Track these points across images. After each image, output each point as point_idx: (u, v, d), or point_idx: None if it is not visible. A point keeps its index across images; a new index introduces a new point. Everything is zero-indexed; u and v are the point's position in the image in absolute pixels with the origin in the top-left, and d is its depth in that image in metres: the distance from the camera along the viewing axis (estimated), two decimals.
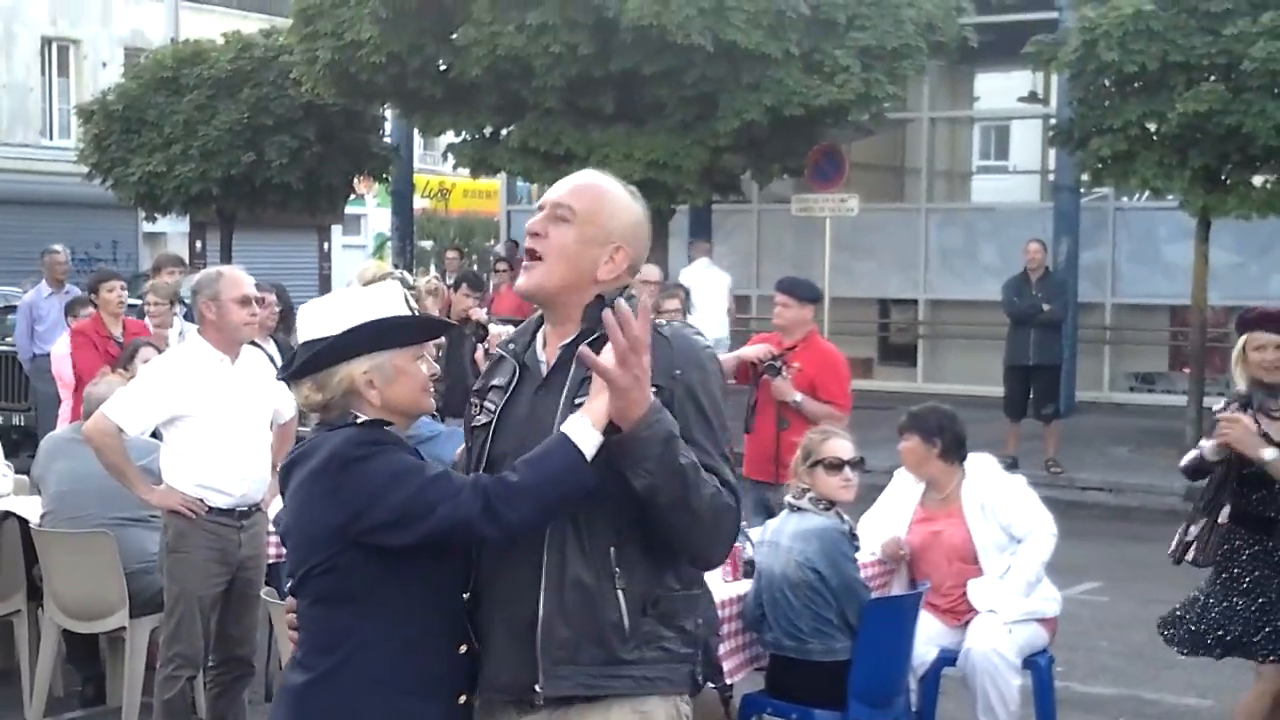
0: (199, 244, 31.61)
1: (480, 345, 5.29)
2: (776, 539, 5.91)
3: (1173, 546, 6.45)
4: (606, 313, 3.11)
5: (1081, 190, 20.77)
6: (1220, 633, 6.28)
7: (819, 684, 5.74)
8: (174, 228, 32.18)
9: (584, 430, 3.18)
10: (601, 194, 3.48)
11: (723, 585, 6.05)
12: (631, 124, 17.28)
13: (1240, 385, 6.34)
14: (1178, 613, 6.51)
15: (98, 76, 33.03)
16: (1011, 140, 30.45)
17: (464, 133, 19.30)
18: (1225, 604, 6.28)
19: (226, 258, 23.47)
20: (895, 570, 6.81)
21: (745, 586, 6.03)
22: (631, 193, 3.53)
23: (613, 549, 3.29)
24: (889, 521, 6.89)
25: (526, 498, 3.20)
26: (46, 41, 34.89)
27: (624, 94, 17.16)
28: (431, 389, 3.57)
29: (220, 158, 22.02)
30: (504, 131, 18.67)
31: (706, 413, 3.33)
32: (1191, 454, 6.50)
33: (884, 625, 5.91)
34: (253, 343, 9.32)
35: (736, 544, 6.17)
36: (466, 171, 21.32)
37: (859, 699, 5.74)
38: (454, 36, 17.25)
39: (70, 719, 7.47)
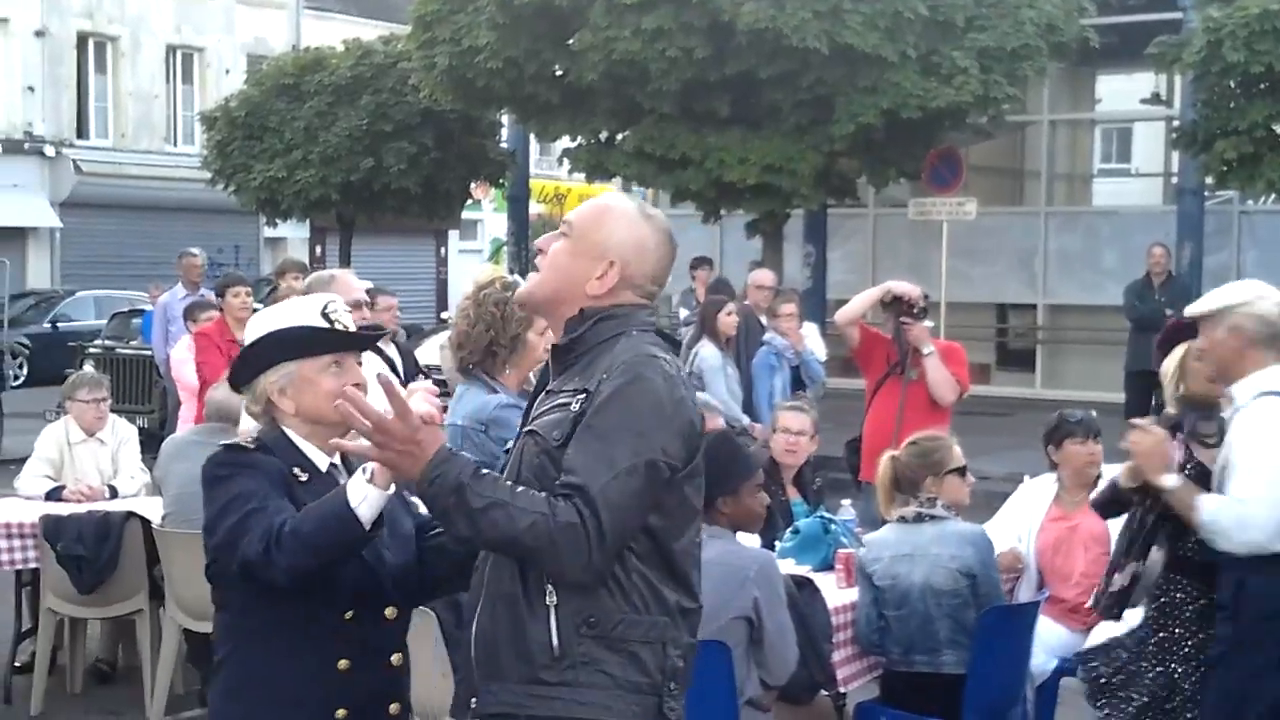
0: (319, 249, 32.02)
1: None
2: (912, 550, 5.80)
3: (1092, 600, 5.54)
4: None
5: (1205, 193, 20.38)
6: (1146, 700, 5.19)
7: (935, 694, 5.67)
8: (295, 233, 32.67)
9: (358, 485, 3.24)
10: (603, 212, 3.45)
11: (837, 592, 6.00)
12: (746, 128, 17.23)
13: (1170, 408, 5.47)
14: (1094, 664, 5.47)
15: (221, 84, 33.58)
16: (1134, 142, 30.01)
17: (580, 137, 19.37)
18: (1160, 669, 5.18)
19: (346, 262, 23.74)
20: (1019, 578, 6.72)
21: (858, 593, 5.96)
22: (649, 215, 3.46)
23: None
24: (1016, 528, 6.80)
25: (296, 544, 3.26)
26: (171, 49, 35.53)
27: (739, 97, 17.12)
28: None
29: (340, 163, 22.29)
30: (619, 136, 18.71)
31: (611, 416, 3.19)
32: (1101, 485, 5.65)
33: (1002, 635, 5.82)
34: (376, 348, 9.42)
35: (851, 550, 6.16)
36: (582, 176, 21.39)
37: (974, 710, 5.66)
38: (570, 42, 17.32)
39: (190, 717, 7.56)
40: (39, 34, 32.74)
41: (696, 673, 5.15)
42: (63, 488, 8.08)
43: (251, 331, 3.63)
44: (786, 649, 5.26)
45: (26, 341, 25.34)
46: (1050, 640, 6.46)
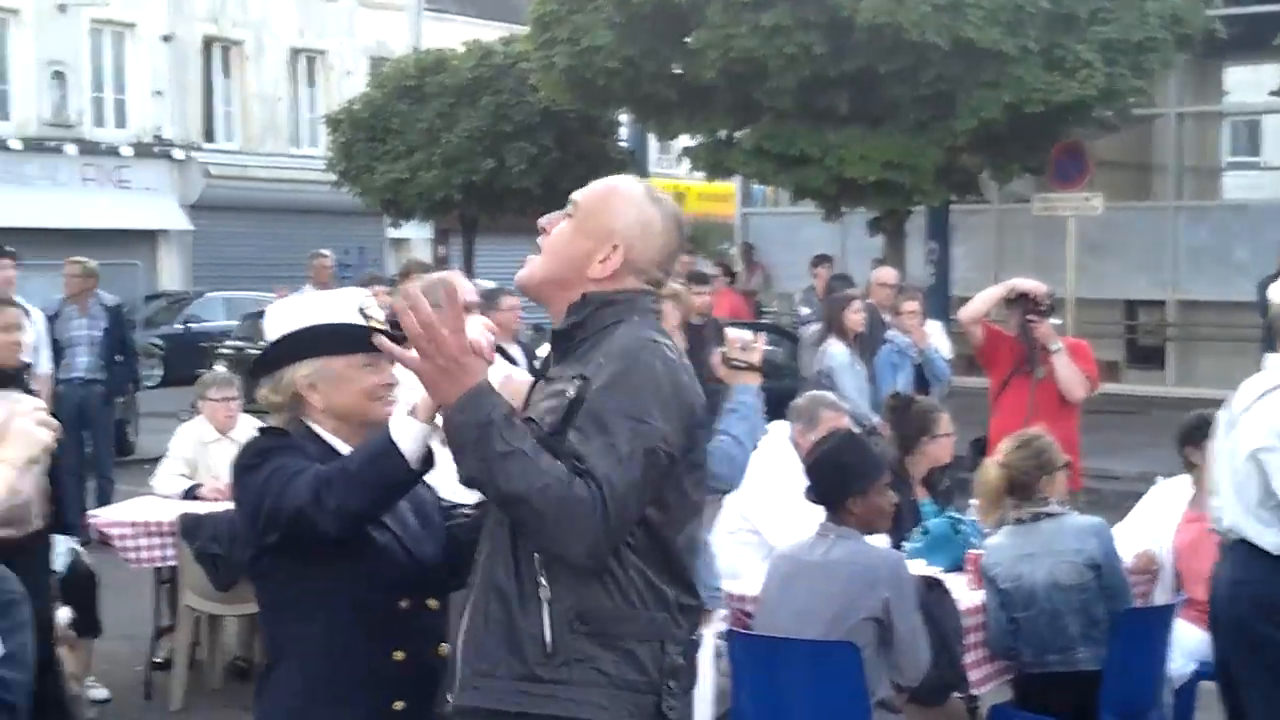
0: (442, 249, 32.30)
1: (720, 349, 5.27)
2: (1033, 549, 5.75)
3: None
4: (397, 298, 3.03)
5: None
6: None
7: (1070, 694, 5.61)
8: (418, 233, 33.00)
9: (401, 419, 3.19)
10: (610, 193, 3.33)
11: (968, 593, 5.96)
12: (866, 124, 17.13)
13: None
14: None
15: (343, 86, 34.00)
16: (1263, 135, 29.39)
17: (698, 136, 19.38)
18: None
19: (468, 263, 23.96)
20: (1154, 581, 6.62)
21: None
22: (657, 198, 3.34)
23: (539, 555, 3.09)
24: (1150, 529, 6.71)
25: (344, 482, 3.21)
26: (295, 52, 36.05)
27: (859, 94, 17.03)
28: (380, 397, 3.51)
29: (461, 164, 22.50)
30: (738, 134, 18.68)
31: (612, 400, 3.06)
32: None
33: (1138, 635, 5.75)
34: (496, 346, 9.48)
35: (982, 551, 6.10)
36: (701, 175, 21.39)
37: (1111, 710, 5.59)
38: (688, 40, 17.33)
39: None
40: (166, 39, 33.37)
41: (828, 673, 5.19)
42: (198, 486, 8.23)
43: (280, 323, 3.61)
44: (918, 650, 5.24)
45: (160, 342, 25.84)
46: (1188, 644, 6.34)
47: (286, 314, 3.64)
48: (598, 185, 3.37)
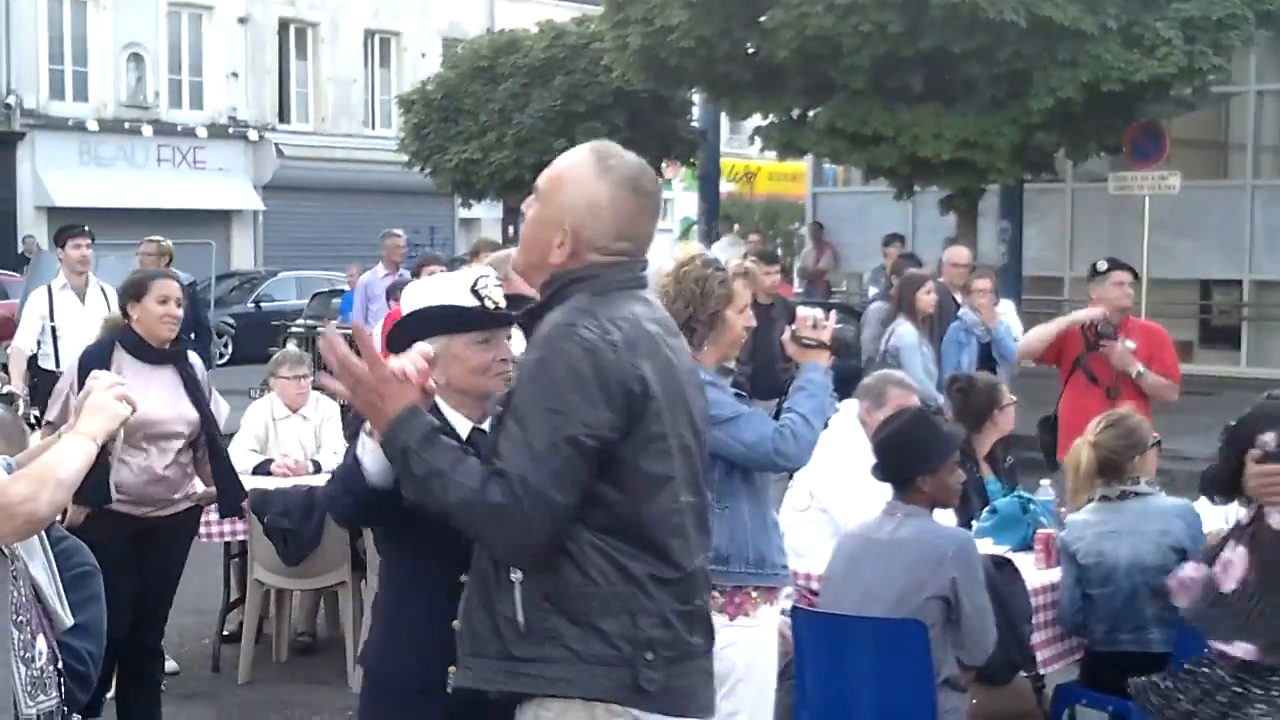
0: (511, 229, 32.40)
1: (789, 326, 5.27)
2: (1118, 527, 5.69)
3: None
4: (322, 339, 3.27)
5: None
6: None
7: (1138, 675, 5.55)
8: (489, 213, 33.09)
9: (363, 438, 3.40)
10: (556, 176, 3.36)
11: (1036, 572, 5.91)
12: (941, 103, 17.02)
13: None
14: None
15: (417, 67, 34.16)
16: None
17: (771, 115, 19.32)
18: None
19: None
20: None
21: (1058, 574, 5.86)
22: (607, 169, 3.32)
23: None
24: (1225, 509, 6.62)
25: (331, 487, 3.62)
26: (369, 34, 36.23)
27: (933, 72, 16.92)
28: (496, 372, 3.70)
29: (533, 144, 22.55)
30: (811, 113, 18.62)
31: (528, 395, 3.15)
32: None
33: None
34: None
35: (1051, 530, 6.05)
36: (773, 154, 21.32)
37: None
38: (762, 19, 17.27)
39: None
40: (242, 21, 33.65)
41: (894, 651, 5.16)
42: (269, 462, 8.29)
43: (407, 303, 3.81)
44: (984, 629, 5.20)
45: (231, 321, 26.08)
46: None
47: (414, 294, 3.85)
48: (550, 169, 3.42)
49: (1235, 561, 4.66)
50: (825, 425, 5.33)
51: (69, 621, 3.70)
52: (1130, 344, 8.26)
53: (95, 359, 6.23)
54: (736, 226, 24.74)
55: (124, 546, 6.13)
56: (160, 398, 6.25)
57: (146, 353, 6.32)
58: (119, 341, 6.36)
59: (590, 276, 3.28)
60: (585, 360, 3.13)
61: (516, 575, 3.19)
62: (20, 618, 3.48)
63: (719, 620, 5.00)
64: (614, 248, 3.31)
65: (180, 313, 6.38)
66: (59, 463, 3.39)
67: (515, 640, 3.19)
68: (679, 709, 3.24)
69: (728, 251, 18.13)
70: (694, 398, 3.38)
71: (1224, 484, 4.85)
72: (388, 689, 3.71)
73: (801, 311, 5.29)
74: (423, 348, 3.41)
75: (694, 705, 3.28)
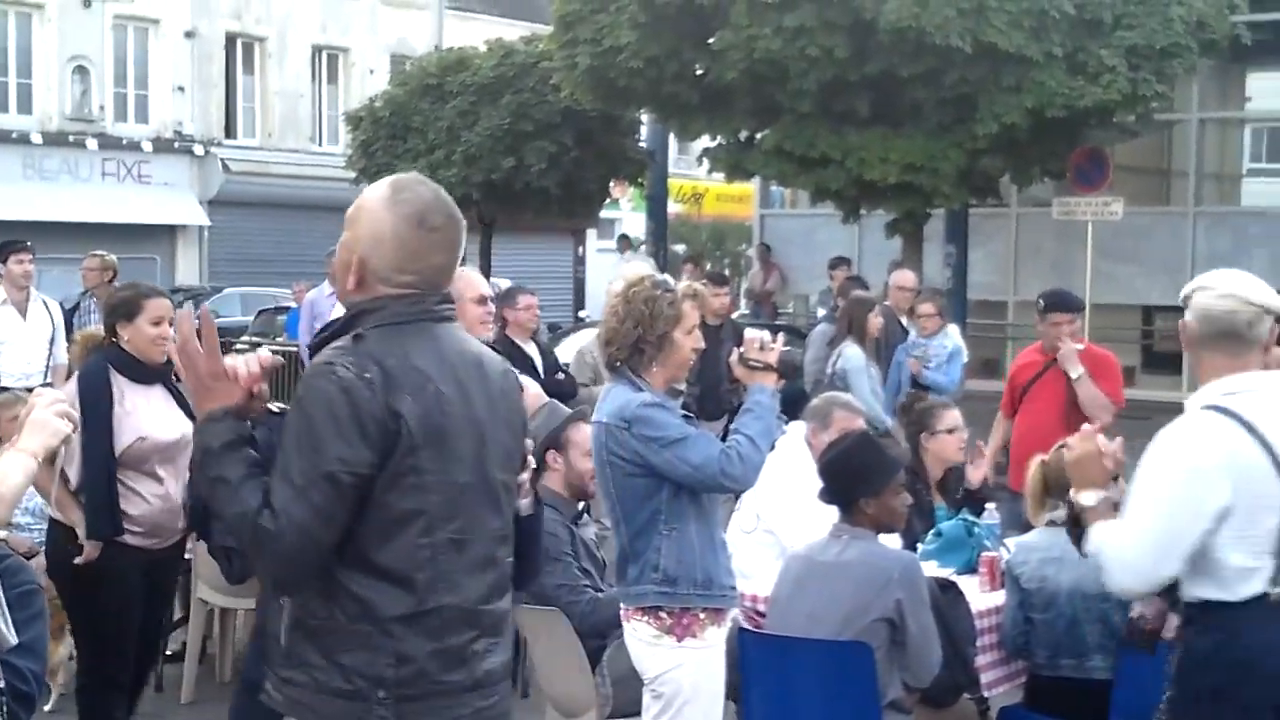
0: None
1: (736, 349, 5.28)
2: (1062, 554, 5.70)
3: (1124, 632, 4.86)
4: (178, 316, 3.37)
5: None
6: None
7: (1081, 701, 5.59)
8: None
9: None
10: (355, 208, 3.42)
11: (980, 595, 5.95)
12: (888, 127, 17.13)
13: None
14: None
15: (365, 84, 34.05)
16: None
17: (719, 136, 19.38)
18: None
19: (486, 261, 23.98)
20: None
21: (1003, 597, 5.90)
22: (397, 201, 3.37)
23: None
24: None
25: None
26: (317, 50, 36.08)
27: (880, 96, 17.03)
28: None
29: (482, 163, 22.52)
30: (759, 135, 18.69)
31: (291, 432, 3.23)
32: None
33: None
34: (514, 342, 9.50)
35: (995, 554, 6.09)
36: (720, 176, 21.38)
37: (1122, 717, 5.58)
38: (711, 41, 17.34)
39: None
40: (189, 35, 33.44)
41: (839, 673, 5.19)
42: None
43: None
44: (930, 651, 5.23)
45: (175, 337, 25.87)
46: None
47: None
48: (357, 199, 3.47)
49: None
50: (772, 447, 5.34)
51: (11, 641, 3.64)
52: (1078, 346, 8.34)
53: (95, 380, 6.08)
54: (644, 246, 24.68)
55: (137, 580, 6.08)
56: (164, 418, 6.14)
57: (140, 372, 6.17)
58: (109, 362, 6.17)
59: (377, 309, 3.32)
60: (341, 399, 3.18)
61: (285, 599, 3.29)
62: None
63: (666, 642, 5.03)
64: (398, 280, 3.34)
65: (172, 332, 6.29)
66: None
67: (278, 660, 3.32)
68: None
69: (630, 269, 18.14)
70: (495, 432, 3.39)
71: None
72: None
73: (749, 334, 5.31)
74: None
75: None
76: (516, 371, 3.67)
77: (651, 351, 5.07)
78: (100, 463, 5.97)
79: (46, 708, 7.29)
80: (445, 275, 3.42)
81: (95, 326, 7.27)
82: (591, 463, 5.69)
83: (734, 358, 5.27)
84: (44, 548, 6.73)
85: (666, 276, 5.31)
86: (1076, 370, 8.20)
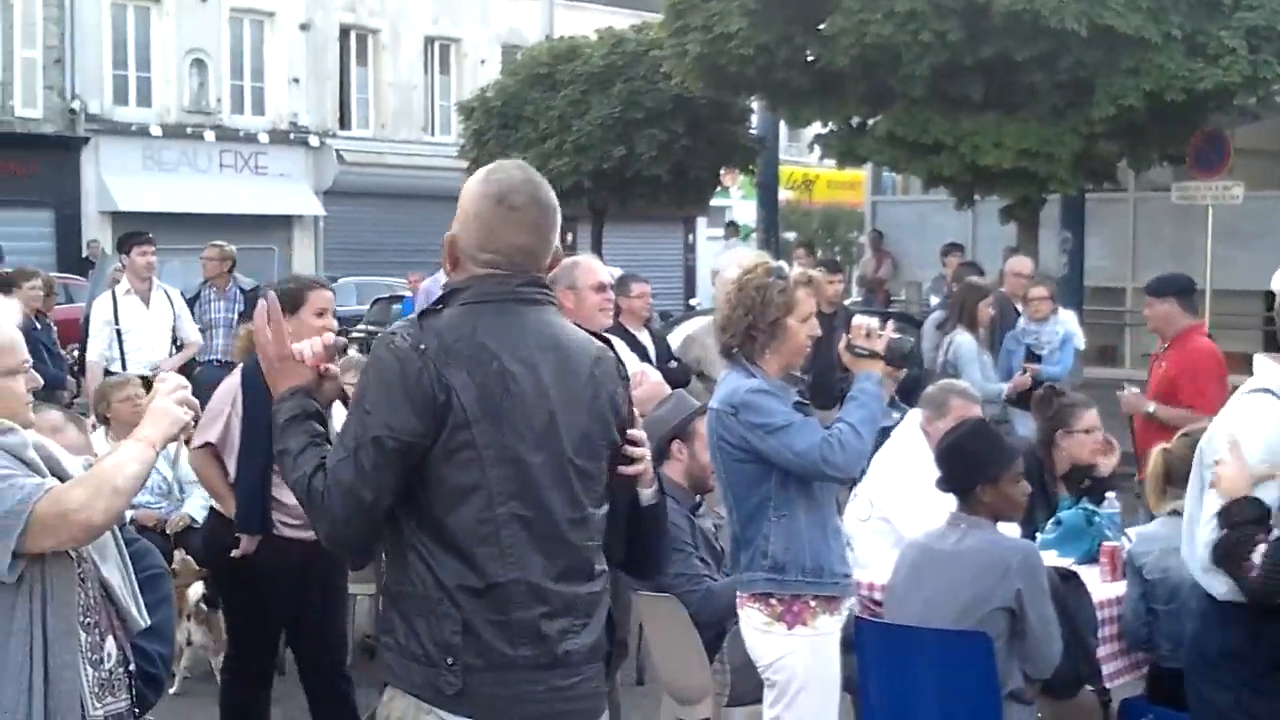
0: (570, 236, 32.44)
1: (845, 336, 5.25)
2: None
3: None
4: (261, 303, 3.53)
5: None
6: None
7: None
8: None
9: None
10: (466, 185, 3.52)
11: (1101, 585, 5.87)
12: (1002, 111, 16.91)
13: None
14: None
15: (477, 74, 34.27)
16: None
17: (830, 123, 19.26)
18: None
19: (597, 249, 24.03)
20: None
21: (1124, 587, 5.82)
22: (488, 180, 3.46)
23: (389, 531, 3.38)
24: None
25: None
26: (429, 41, 36.39)
27: (994, 81, 16.82)
28: None
29: (592, 151, 22.55)
30: (870, 121, 18.54)
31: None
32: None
33: None
34: (627, 330, 9.52)
35: (1117, 544, 6.00)
36: (832, 162, 21.25)
37: None
38: (822, 26, 17.22)
39: None
40: (304, 27, 33.86)
41: (958, 663, 5.14)
42: None
43: None
44: (1050, 642, 5.17)
45: None
46: None
47: None
48: None
49: None
50: (887, 434, 5.31)
51: (142, 623, 3.71)
52: (1133, 388, 8.18)
53: (258, 375, 6.18)
54: (753, 234, 24.60)
55: (291, 573, 6.11)
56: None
57: None
58: None
59: (465, 288, 3.42)
60: (394, 367, 3.29)
61: (385, 567, 3.44)
62: (88, 619, 3.49)
63: (777, 629, 5.02)
64: (481, 259, 3.42)
65: (336, 325, 6.31)
66: (116, 469, 3.37)
67: (379, 626, 3.53)
68: (488, 715, 3.32)
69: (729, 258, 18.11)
70: (571, 415, 3.41)
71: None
72: None
73: (856, 321, 5.27)
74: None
75: (512, 715, 3.34)
76: (621, 360, 3.65)
77: (763, 338, 5.07)
78: (258, 458, 5.98)
79: (171, 690, 7.45)
80: (530, 256, 3.45)
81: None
82: None
83: (842, 345, 5.24)
84: (200, 537, 6.83)
85: (781, 263, 5.29)
86: (1147, 409, 8.06)
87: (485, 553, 3.30)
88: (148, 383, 10.33)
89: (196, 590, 7.76)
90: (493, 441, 3.30)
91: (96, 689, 3.49)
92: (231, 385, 6.17)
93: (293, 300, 6.15)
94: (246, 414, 6.04)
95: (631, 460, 3.59)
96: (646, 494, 3.68)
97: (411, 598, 3.34)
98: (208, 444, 6.29)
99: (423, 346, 3.30)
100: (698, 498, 6.19)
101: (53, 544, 3.32)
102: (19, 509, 3.24)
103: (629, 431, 3.59)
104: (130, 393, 8.33)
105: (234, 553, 6.13)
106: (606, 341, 3.63)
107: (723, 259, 18.44)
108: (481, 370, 3.30)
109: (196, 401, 3.61)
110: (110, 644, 3.57)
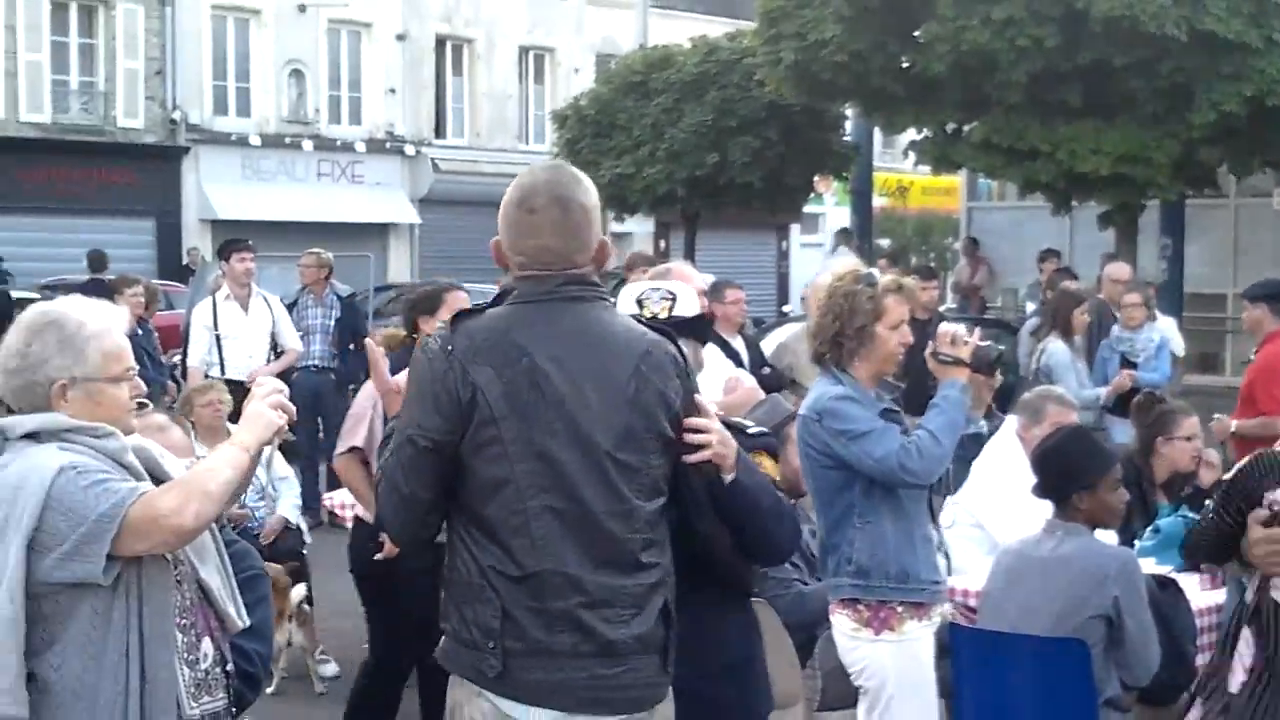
0: (663, 243, 32.50)
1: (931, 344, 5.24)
2: None
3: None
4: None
5: None
6: None
7: None
8: (641, 228, 33.22)
9: None
10: None
11: (1201, 594, 5.80)
12: (1100, 117, 16.75)
13: None
14: None
15: (571, 82, 34.40)
16: None
17: (925, 129, 19.16)
18: None
19: (690, 256, 24.05)
20: None
21: (1224, 595, 5.74)
22: (519, 185, 3.61)
23: (447, 522, 3.56)
24: None
25: None
26: (524, 50, 36.58)
27: (1092, 87, 16.66)
28: None
29: (686, 159, 22.58)
30: (966, 128, 18.43)
31: None
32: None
33: None
34: (721, 336, 9.53)
35: None
36: (926, 169, 21.14)
37: None
38: (917, 33, 17.15)
39: None
40: (400, 37, 34.15)
41: (1055, 670, 5.10)
42: None
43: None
44: (1148, 650, 5.12)
45: None
46: None
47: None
48: None
49: (1243, 650, 4.13)
50: (974, 443, 5.28)
51: (241, 624, 3.76)
52: (1220, 417, 8.08)
53: None
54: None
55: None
56: None
57: None
58: None
59: (511, 290, 3.57)
60: (425, 369, 3.47)
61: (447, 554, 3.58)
62: (184, 620, 3.53)
63: (865, 634, 5.00)
64: (514, 260, 3.58)
65: None
66: (208, 475, 3.41)
67: (440, 613, 3.59)
68: (532, 699, 3.41)
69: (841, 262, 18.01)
70: (609, 410, 3.45)
71: (1215, 548, 4.34)
72: None
73: (942, 328, 5.26)
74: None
75: (555, 700, 3.42)
76: (683, 352, 3.67)
77: (851, 345, 5.06)
78: None
79: (269, 690, 7.54)
80: (557, 256, 3.53)
81: (397, 325, 7.42)
82: None
83: (928, 351, 5.23)
84: (348, 547, 6.87)
85: (872, 270, 5.29)
86: (1229, 429, 7.96)
87: (519, 544, 3.41)
88: (245, 390, 10.53)
89: (299, 592, 7.85)
90: (519, 436, 3.40)
91: (193, 688, 3.53)
92: (372, 390, 6.24)
93: (431, 303, 6.28)
94: (386, 418, 6.11)
95: (697, 448, 3.60)
96: (729, 477, 3.69)
97: (459, 584, 3.47)
98: (354, 449, 6.35)
99: (450, 347, 3.44)
100: (793, 502, 6.18)
101: (145, 548, 3.36)
102: (113, 513, 3.28)
103: (688, 420, 3.59)
104: (213, 397, 8.45)
105: (377, 556, 6.18)
106: (670, 335, 3.66)
107: (831, 263, 18.40)
108: (510, 367, 3.41)
109: (293, 407, 3.63)
110: (206, 644, 3.61)
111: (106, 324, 3.57)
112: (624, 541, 3.47)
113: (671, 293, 4.28)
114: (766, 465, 4.14)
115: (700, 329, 4.39)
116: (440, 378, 3.42)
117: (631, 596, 3.47)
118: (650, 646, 3.50)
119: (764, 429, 4.40)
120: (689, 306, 4.34)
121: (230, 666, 3.69)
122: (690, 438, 3.58)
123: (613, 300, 3.75)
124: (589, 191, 3.62)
